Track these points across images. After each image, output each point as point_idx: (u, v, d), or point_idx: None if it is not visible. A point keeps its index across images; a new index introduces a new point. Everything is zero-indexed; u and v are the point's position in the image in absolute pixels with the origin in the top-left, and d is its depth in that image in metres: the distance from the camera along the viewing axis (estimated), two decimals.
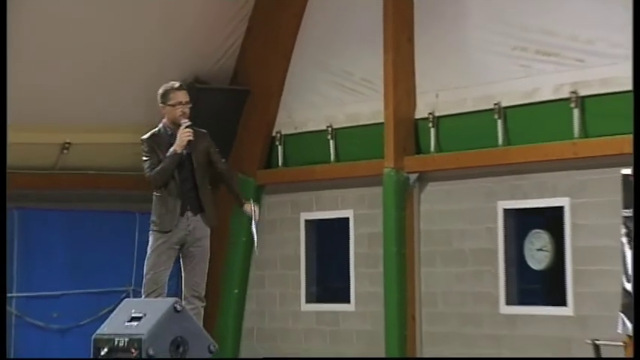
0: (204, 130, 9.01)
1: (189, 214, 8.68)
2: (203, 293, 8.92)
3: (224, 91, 14.15)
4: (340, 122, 13.41)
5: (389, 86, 12.65)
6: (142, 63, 13.69)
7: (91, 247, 13.86)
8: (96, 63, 13.51)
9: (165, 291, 8.85)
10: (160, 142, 8.83)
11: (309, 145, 13.76)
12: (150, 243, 8.75)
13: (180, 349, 6.86)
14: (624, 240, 9.89)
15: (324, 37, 13.59)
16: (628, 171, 9.91)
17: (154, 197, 8.70)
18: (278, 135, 14.08)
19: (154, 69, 13.65)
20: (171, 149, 8.65)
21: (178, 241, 8.75)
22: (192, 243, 8.76)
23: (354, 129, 13.27)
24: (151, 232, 8.76)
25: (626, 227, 9.88)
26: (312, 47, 13.75)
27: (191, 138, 8.68)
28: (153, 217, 8.74)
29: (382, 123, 12.77)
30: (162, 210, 8.70)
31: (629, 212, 9.85)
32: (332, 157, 13.48)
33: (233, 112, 14.07)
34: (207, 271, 8.93)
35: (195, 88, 13.76)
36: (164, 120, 8.86)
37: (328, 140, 13.46)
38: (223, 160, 9.04)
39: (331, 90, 13.51)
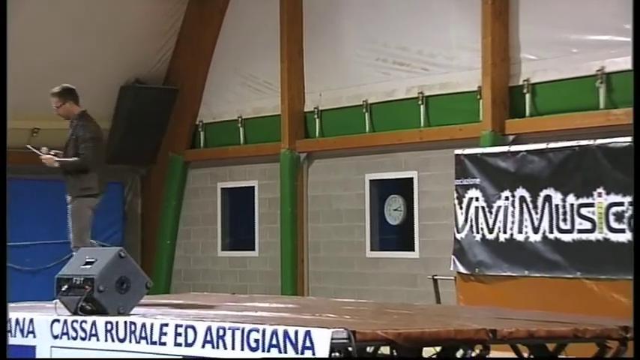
0: (85, 122, 8.82)
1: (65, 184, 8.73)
2: (73, 244, 8.65)
3: (158, 89, 14.04)
4: (248, 114, 13.41)
5: (284, 87, 12.77)
6: (95, 64, 13.54)
7: (55, 208, 13.02)
8: (59, 62, 13.23)
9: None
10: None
11: (224, 131, 13.74)
12: None
13: (124, 286, 6.69)
14: (455, 202, 9.96)
15: (236, 49, 13.57)
16: (459, 151, 10.01)
17: None
18: (200, 123, 14.01)
19: (104, 70, 13.56)
20: None
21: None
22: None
23: (259, 119, 13.30)
24: None
25: (457, 193, 9.95)
26: (227, 57, 13.72)
27: (47, 164, 8.61)
28: None
29: (279, 115, 12.86)
30: None
31: (460, 182, 9.93)
32: (242, 140, 13.50)
33: (166, 105, 13.99)
34: (75, 228, 8.66)
35: (136, 87, 13.77)
36: None
37: (239, 128, 13.47)
38: (83, 147, 8.74)
39: (241, 89, 13.52)
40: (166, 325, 5.94)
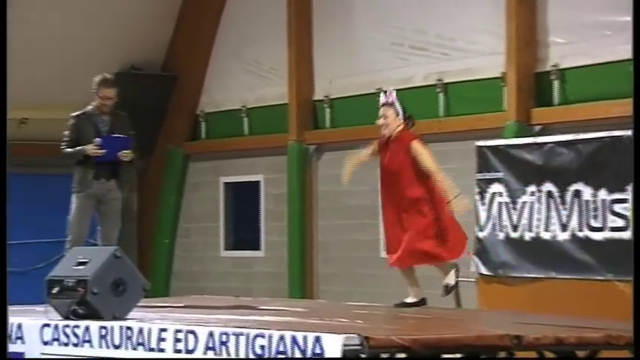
0: (123, 113, 8.99)
1: (102, 179, 8.74)
2: (114, 242, 8.78)
3: (156, 76, 14.18)
4: (252, 103, 13.49)
5: (292, 73, 12.85)
6: (88, 51, 13.66)
7: (44, 204, 13.64)
8: (50, 48, 13.43)
9: (85, 238, 8.82)
10: (87, 121, 8.85)
11: (227, 122, 13.84)
12: (72, 201, 8.93)
13: (120, 288, 6.71)
14: (477, 198, 9.91)
15: (239, 33, 13.65)
16: (481, 143, 9.98)
17: (74, 165, 8.80)
18: (201, 113, 14.13)
19: (98, 57, 13.61)
20: (86, 148, 8.70)
21: (93, 200, 8.77)
22: (105, 203, 8.80)
23: (264, 108, 13.38)
24: (72, 193, 8.85)
25: (479, 187, 9.95)
26: (229, 41, 13.81)
27: (98, 154, 8.71)
28: (73, 182, 8.85)
29: (286, 104, 12.93)
30: (79, 175, 8.82)
31: (481, 176, 9.92)
32: (246, 131, 13.61)
33: (164, 94, 14.11)
34: (119, 226, 8.90)
35: (132, 74, 13.87)
36: (94, 103, 8.87)
37: (242, 117, 13.58)
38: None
39: (244, 76, 13.60)
40: (165, 330, 5.98)
